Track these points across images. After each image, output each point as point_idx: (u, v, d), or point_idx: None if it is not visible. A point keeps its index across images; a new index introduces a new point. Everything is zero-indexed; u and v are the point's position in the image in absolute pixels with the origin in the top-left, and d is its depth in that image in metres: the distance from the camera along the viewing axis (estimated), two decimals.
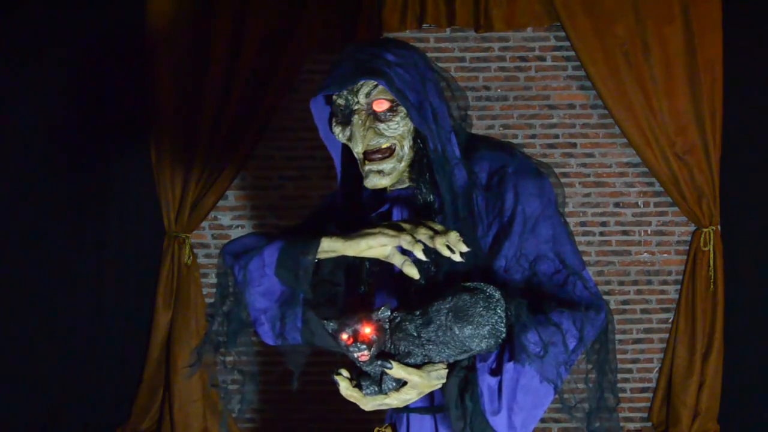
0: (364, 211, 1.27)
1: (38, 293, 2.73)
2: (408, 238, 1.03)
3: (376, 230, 1.06)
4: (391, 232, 1.05)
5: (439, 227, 1.05)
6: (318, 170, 3.28)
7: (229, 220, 3.34)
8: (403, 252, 1.08)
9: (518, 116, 3.29)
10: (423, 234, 1.03)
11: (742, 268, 3.12)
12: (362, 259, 1.20)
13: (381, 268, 1.22)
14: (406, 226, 1.06)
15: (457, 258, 1.01)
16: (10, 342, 2.59)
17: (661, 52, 3.05)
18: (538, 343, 0.99)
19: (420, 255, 1.02)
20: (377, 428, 1.33)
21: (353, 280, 1.22)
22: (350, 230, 1.10)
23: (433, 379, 1.03)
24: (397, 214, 1.23)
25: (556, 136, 3.28)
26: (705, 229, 3.12)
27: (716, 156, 3.09)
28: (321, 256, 1.11)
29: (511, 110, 3.28)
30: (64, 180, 2.90)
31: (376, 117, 1.14)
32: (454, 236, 1.01)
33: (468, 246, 1.03)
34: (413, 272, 1.04)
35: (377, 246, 1.06)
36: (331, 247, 1.09)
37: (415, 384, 1.03)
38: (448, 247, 1.01)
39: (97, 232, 3.10)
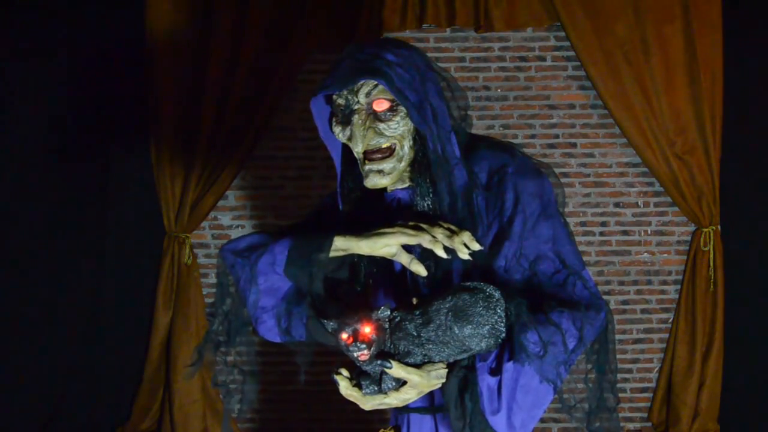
0: (363, 211, 1.27)
1: (38, 293, 2.73)
2: (428, 237, 1.05)
3: (395, 229, 1.08)
4: (411, 231, 1.07)
5: (453, 226, 1.07)
6: (318, 170, 3.28)
7: (229, 220, 3.34)
8: (407, 250, 1.10)
9: (518, 116, 3.28)
10: (441, 233, 1.05)
11: (742, 268, 3.12)
12: (360, 259, 1.20)
13: (379, 268, 1.22)
14: (424, 225, 1.08)
15: (465, 256, 1.03)
16: (10, 342, 2.59)
17: (661, 52, 3.05)
18: (537, 342, 0.99)
19: (441, 253, 1.04)
20: (381, 429, 1.33)
21: (351, 279, 1.22)
22: (354, 230, 1.11)
23: (433, 378, 1.03)
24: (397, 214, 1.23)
25: (556, 136, 3.28)
26: (705, 229, 3.12)
27: (716, 156, 3.09)
28: (333, 254, 1.11)
29: (511, 110, 3.28)
30: (65, 180, 2.90)
31: (376, 117, 1.14)
32: (467, 235, 1.05)
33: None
34: (420, 269, 1.08)
35: (395, 244, 1.08)
36: (344, 245, 1.10)
37: (415, 383, 1.02)
38: (465, 245, 1.04)
39: (97, 232, 3.10)
